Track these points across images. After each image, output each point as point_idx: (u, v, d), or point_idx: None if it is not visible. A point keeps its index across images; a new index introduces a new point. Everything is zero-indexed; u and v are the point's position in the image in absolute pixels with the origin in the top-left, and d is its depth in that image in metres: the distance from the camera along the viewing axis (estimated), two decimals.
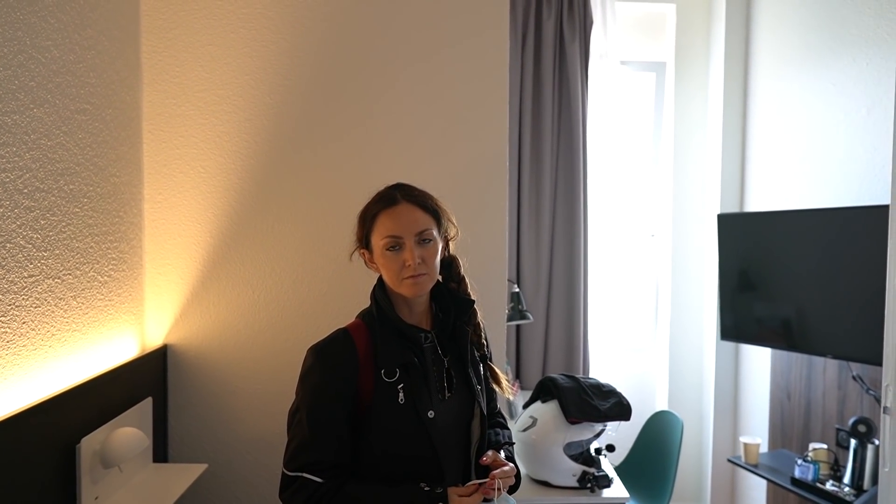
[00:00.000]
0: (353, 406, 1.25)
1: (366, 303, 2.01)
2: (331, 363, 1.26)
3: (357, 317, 1.35)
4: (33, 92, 1.42)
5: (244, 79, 2.02)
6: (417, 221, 1.25)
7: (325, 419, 1.24)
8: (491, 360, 1.45)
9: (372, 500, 1.20)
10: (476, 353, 1.38)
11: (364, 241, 1.32)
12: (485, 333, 1.42)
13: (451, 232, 1.36)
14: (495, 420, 1.50)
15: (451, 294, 1.36)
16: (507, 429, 1.51)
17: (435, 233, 1.28)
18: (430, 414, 1.25)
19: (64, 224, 1.54)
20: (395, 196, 1.28)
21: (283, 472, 1.24)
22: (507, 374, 1.47)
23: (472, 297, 1.38)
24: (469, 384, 1.33)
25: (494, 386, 1.45)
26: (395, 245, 1.25)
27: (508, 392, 1.46)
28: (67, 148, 1.56)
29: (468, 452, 1.35)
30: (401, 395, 1.24)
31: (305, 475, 1.21)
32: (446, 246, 1.36)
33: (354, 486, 1.22)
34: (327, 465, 1.21)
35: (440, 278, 1.37)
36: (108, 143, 1.76)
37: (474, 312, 1.38)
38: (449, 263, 1.38)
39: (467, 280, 1.39)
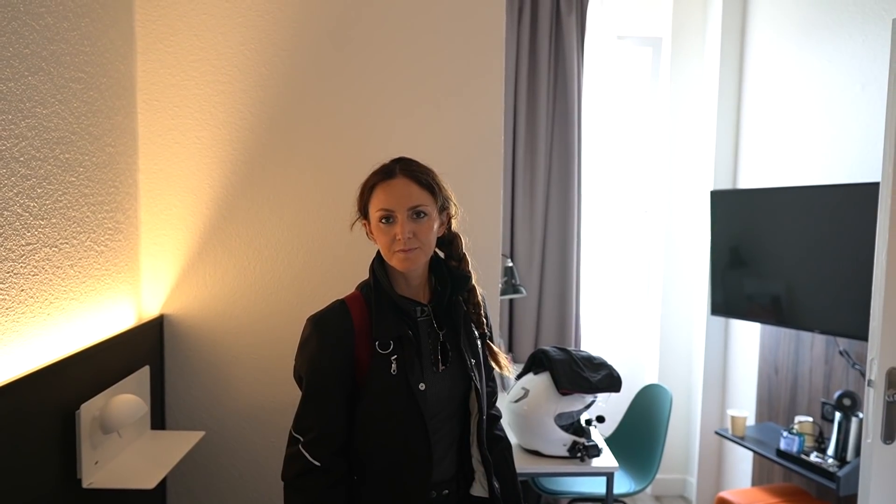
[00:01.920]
0: (351, 377, 1.28)
1: (361, 275, 2.02)
2: (327, 333, 1.28)
3: (356, 288, 1.37)
4: (28, 59, 1.41)
5: (239, 49, 2.00)
6: (411, 196, 1.26)
7: (320, 388, 1.28)
8: (491, 340, 1.45)
9: None
10: (475, 331, 1.39)
11: (363, 212, 1.33)
12: (485, 312, 1.43)
13: (452, 209, 1.36)
14: (492, 418, 1.47)
15: (448, 269, 1.37)
16: (504, 437, 1.50)
17: (430, 208, 1.28)
18: (421, 386, 1.27)
19: (60, 193, 1.54)
20: (394, 169, 1.29)
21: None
22: (500, 348, 1.49)
23: (471, 274, 1.38)
24: (463, 358, 1.34)
25: (493, 364, 1.45)
26: (388, 217, 1.26)
27: (508, 370, 1.46)
28: (63, 117, 1.55)
29: (462, 425, 1.36)
30: (393, 366, 1.26)
31: (302, 450, 1.26)
32: (448, 223, 1.37)
33: None
34: (318, 435, 1.26)
35: (441, 254, 1.38)
36: (102, 112, 1.75)
37: (474, 290, 1.39)
38: (450, 241, 1.39)
39: (468, 258, 1.40)
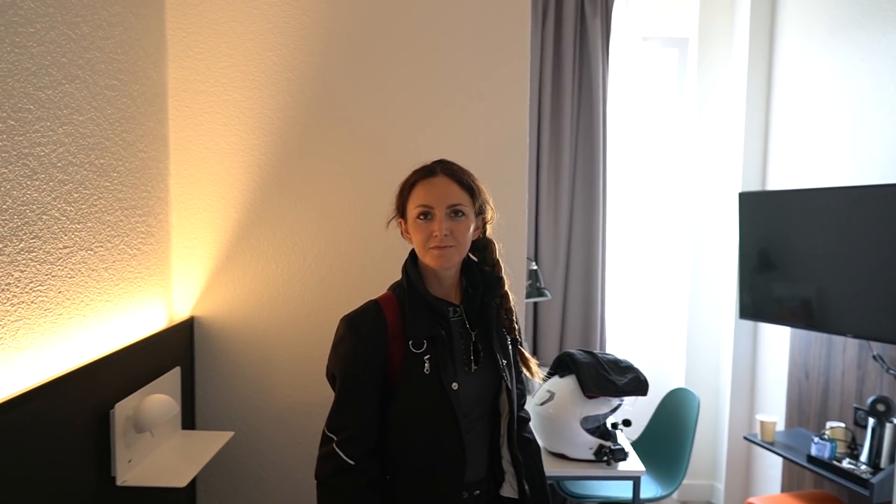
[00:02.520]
0: (384, 377, 1.29)
1: (389, 277, 2.04)
2: (361, 333, 1.30)
3: (388, 289, 1.38)
4: (65, 68, 1.46)
5: (267, 55, 2.03)
6: (451, 194, 1.28)
7: (353, 387, 1.29)
8: (521, 345, 1.46)
9: None
10: (507, 335, 1.40)
11: (401, 211, 1.35)
12: (517, 318, 1.44)
13: (489, 214, 1.37)
14: (521, 420, 1.47)
15: (481, 271, 1.38)
16: (534, 440, 1.49)
17: (468, 209, 1.29)
18: (454, 386, 1.27)
19: (95, 198, 1.58)
20: (435, 168, 1.31)
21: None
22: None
23: (504, 279, 1.40)
24: (494, 358, 1.35)
25: (523, 369, 1.45)
26: (426, 214, 1.27)
27: (539, 376, 1.47)
28: (97, 123, 1.60)
29: (493, 426, 1.37)
30: (426, 365, 1.27)
31: (336, 449, 1.27)
32: (483, 227, 1.38)
33: None
34: (351, 434, 1.27)
35: (474, 259, 1.40)
36: (135, 118, 1.80)
37: (507, 296, 1.41)
38: (484, 246, 1.40)
39: (501, 264, 1.41)
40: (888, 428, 2.27)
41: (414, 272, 1.33)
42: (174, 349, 1.97)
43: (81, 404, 1.47)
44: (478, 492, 1.34)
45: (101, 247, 1.61)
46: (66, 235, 1.46)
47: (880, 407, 2.29)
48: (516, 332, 1.42)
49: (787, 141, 3.08)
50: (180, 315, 2.07)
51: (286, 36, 2.03)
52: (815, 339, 2.81)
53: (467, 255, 1.36)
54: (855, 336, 2.44)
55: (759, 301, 2.87)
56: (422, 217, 1.28)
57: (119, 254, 1.70)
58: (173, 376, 1.88)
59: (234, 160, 2.05)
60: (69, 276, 1.47)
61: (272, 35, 2.03)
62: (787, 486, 2.98)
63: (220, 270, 2.08)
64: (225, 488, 2.11)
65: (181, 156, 2.04)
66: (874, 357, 2.45)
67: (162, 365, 1.87)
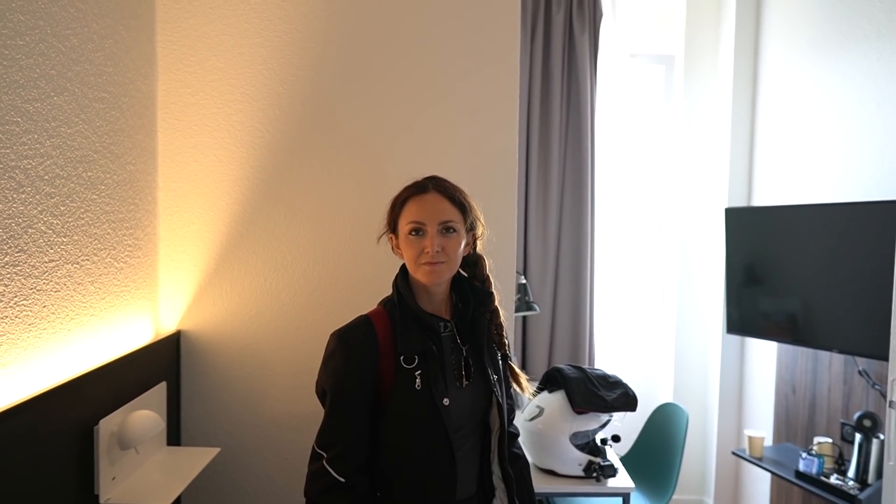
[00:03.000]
0: (375, 392, 1.29)
1: (378, 292, 2.03)
2: (352, 349, 1.29)
3: (379, 304, 1.38)
4: (54, 80, 1.45)
5: (258, 69, 2.04)
6: (443, 211, 1.28)
7: (344, 404, 1.28)
8: (511, 360, 1.46)
9: None
10: (497, 350, 1.41)
11: (392, 226, 1.35)
12: (507, 333, 1.44)
13: (479, 230, 1.38)
14: (510, 435, 1.47)
15: (471, 286, 1.39)
16: (522, 455, 1.49)
17: (459, 225, 1.30)
18: (445, 402, 1.27)
19: (82, 210, 1.57)
20: (427, 185, 1.32)
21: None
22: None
23: (494, 295, 1.40)
24: (485, 374, 1.35)
25: (514, 384, 1.46)
26: (418, 230, 1.28)
27: (528, 392, 1.47)
28: (86, 136, 1.58)
29: (483, 442, 1.37)
30: (417, 381, 1.26)
31: (326, 465, 1.26)
32: (473, 243, 1.39)
33: None
34: (341, 451, 1.26)
35: (464, 274, 1.40)
36: (124, 131, 1.79)
37: (497, 312, 1.41)
38: (475, 262, 1.41)
39: (492, 280, 1.42)
40: (875, 443, 2.28)
41: (405, 287, 1.33)
42: (160, 363, 1.95)
43: (65, 420, 1.45)
44: None
45: (88, 260, 1.59)
46: (51, 249, 1.44)
47: (867, 422, 2.30)
48: (506, 348, 1.43)
49: (772, 157, 3.12)
50: (167, 329, 2.05)
51: (277, 50, 2.04)
52: (802, 354, 2.83)
53: (458, 271, 1.36)
54: (840, 351, 2.46)
55: (745, 316, 2.89)
56: (413, 233, 1.28)
57: (105, 267, 1.68)
58: (159, 391, 1.86)
59: (224, 173, 2.04)
60: (54, 289, 1.45)
61: (263, 49, 2.03)
62: (775, 502, 2.99)
63: (208, 284, 2.06)
64: None
65: (170, 168, 2.03)
66: (860, 372, 2.47)
67: (148, 379, 1.84)
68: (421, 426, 1.26)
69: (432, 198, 1.29)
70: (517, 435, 1.52)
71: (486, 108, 2.08)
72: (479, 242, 1.41)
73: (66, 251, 1.50)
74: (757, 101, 3.25)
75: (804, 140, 2.88)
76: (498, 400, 1.34)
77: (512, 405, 1.48)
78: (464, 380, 1.32)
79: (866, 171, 2.52)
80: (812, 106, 2.84)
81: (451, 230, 1.29)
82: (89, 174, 1.60)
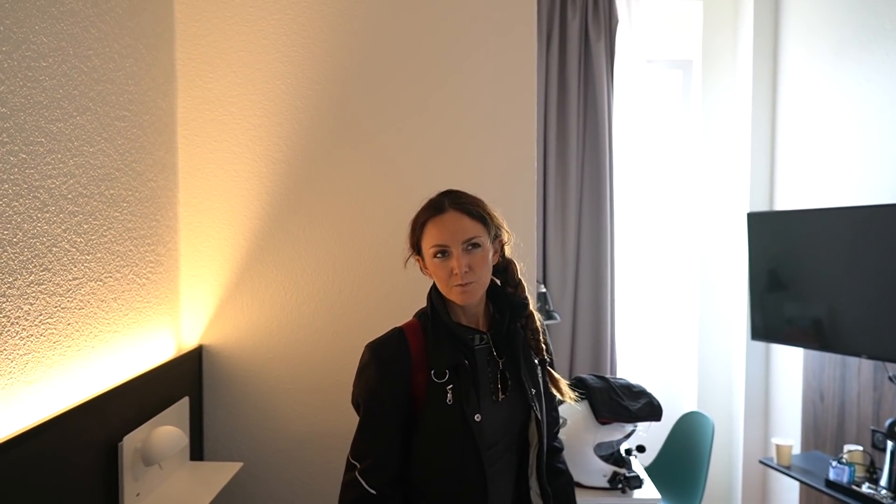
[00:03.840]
0: (409, 405, 1.28)
1: (398, 305, 2.03)
2: (384, 361, 1.28)
3: (414, 316, 1.37)
4: (76, 100, 1.46)
5: (276, 83, 2.05)
6: (464, 229, 1.26)
7: (376, 415, 1.28)
8: (552, 367, 1.42)
9: None
10: (535, 358, 1.37)
11: (416, 248, 1.34)
12: (545, 338, 1.40)
13: (505, 236, 1.36)
14: (553, 450, 1.44)
15: (506, 295, 1.37)
16: (566, 471, 1.47)
17: (483, 239, 1.27)
18: (477, 417, 1.24)
19: (105, 228, 1.58)
20: (443, 204, 1.29)
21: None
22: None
23: (528, 300, 1.37)
24: (523, 387, 1.32)
25: (555, 391, 1.41)
26: (443, 252, 1.26)
27: (570, 398, 1.42)
28: (108, 154, 1.60)
29: (521, 456, 1.33)
30: (449, 395, 1.24)
31: (358, 477, 1.25)
32: (501, 249, 1.36)
33: None
34: (374, 463, 1.25)
35: (497, 282, 1.38)
36: (145, 148, 1.80)
37: (532, 316, 1.38)
38: (505, 267, 1.38)
39: (524, 284, 1.39)
40: None
41: (438, 300, 1.32)
42: (183, 379, 1.95)
43: (90, 438, 1.45)
44: None
45: (111, 277, 1.61)
46: (75, 267, 1.45)
47: None
48: (544, 353, 1.38)
49: (794, 161, 3.08)
50: (189, 344, 2.06)
51: (295, 65, 2.05)
52: (829, 361, 2.77)
53: (491, 280, 1.34)
54: (869, 357, 2.40)
55: (770, 322, 2.84)
56: (439, 256, 1.26)
57: (128, 284, 1.70)
58: (182, 406, 1.87)
59: (243, 188, 2.05)
60: (78, 307, 1.46)
61: (281, 64, 2.05)
62: None
63: (229, 298, 2.07)
64: None
65: (190, 184, 2.05)
66: (890, 378, 2.42)
67: (170, 395, 1.85)
68: (451, 442, 1.24)
69: (451, 217, 1.27)
70: (561, 449, 1.48)
71: (504, 117, 2.07)
72: (506, 248, 1.38)
73: (89, 269, 1.51)
74: (777, 104, 3.21)
75: (826, 143, 2.84)
76: (536, 415, 1.31)
77: (556, 417, 1.45)
78: (499, 394, 1.30)
79: (889, 174, 2.47)
80: (833, 108, 2.79)
81: (476, 246, 1.26)
82: (111, 192, 1.62)
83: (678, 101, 3.59)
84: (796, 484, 2.96)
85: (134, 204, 1.73)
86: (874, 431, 2.45)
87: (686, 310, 3.59)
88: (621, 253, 3.34)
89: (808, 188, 2.96)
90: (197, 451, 2.03)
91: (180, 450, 1.73)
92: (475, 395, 1.26)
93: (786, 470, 2.64)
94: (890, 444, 2.28)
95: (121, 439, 1.53)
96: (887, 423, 2.28)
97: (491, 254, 1.30)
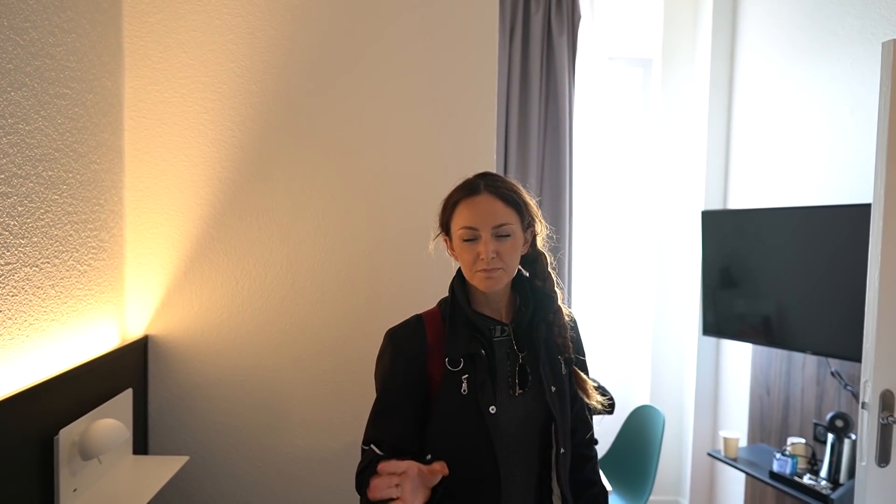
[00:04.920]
0: (423, 393, 1.24)
1: (352, 296, 2.00)
2: (400, 348, 1.26)
3: (437, 304, 1.32)
4: (10, 74, 1.38)
5: (229, 66, 1.98)
6: (496, 214, 1.21)
7: (389, 401, 1.24)
8: (579, 366, 1.34)
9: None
10: (561, 357, 1.30)
11: (445, 228, 1.28)
12: (572, 335, 1.33)
13: (538, 227, 1.31)
14: (582, 458, 1.36)
15: (532, 287, 1.31)
16: (599, 482, 1.38)
17: (515, 227, 1.22)
18: (492, 409, 1.20)
19: (42, 211, 1.51)
20: (478, 186, 1.23)
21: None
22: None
23: (557, 295, 1.32)
24: (542, 384, 1.25)
25: (580, 392, 1.32)
26: (472, 237, 1.21)
27: (595, 400, 1.33)
28: (46, 133, 1.52)
29: (543, 458, 1.27)
30: (464, 385, 1.20)
31: (372, 447, 1.21)
32: (532, 240, 1.31)
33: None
34: (388, 446, 1.21)
35: (526, 273, 1.33)
36: (88, 129, 1.72)
37: (559, 312, 1.31)
38: (534, 259, 1.33)
39: (554, 278, 1.33)
40: (846, 443, 2.30)
41: (460, 288, 1.27)
42: (126, 370, 1.88)
43: (22, 431, 1.38)
44: None
45: (48, 263, 1.53)
46: (7, 251, 1.38)
47: (839, 423, 2.33)
48: (571, 351, 1.31)
49: (748, 161, 3.15)
50: (134, 334, 1.98)
51: (249, 47, 1.99)
52: (776, 356, 2.85)
53: (519, 269, 1.29)
54: (814, 353, 2.48)
55: (721, 318, 2.91)
56: (468, 240, 1.21)
57: (68, 270, 1.62)
58: (125, 398, 1.80)
59: (193, 173, 1.99)
60: (11, 294, 1.39)
61: (234, 46, 1.98)
62: (749, 502, 3.01)
63: (177, 287, 2.00)
64: None
65: (137, 168, 1.97)
66: (832, 373, 2.50)
67: (113, 387, 1.78)
68: (465, 432, 1.18)
69: (485, 200, 1.21)
70: (592, 457, 1.39)
71: (464, 109, 2.06)
72: (538, 239, 1.32)
73: (24, 253, 1.43)
74: (733, 105, 3.27)
75: (779, 144, 2.91)
76: (555, 415, 1.24)
77: (587, 419, 1.36)
78: (517, 388, 1.24)
79: (840, 175, 2.54)
80: (787, 110, 2.86)
81: (507, 235, 1.21)
82: (50, 173, 1.54)
83: (638, 98, 3.63)
84: (742, 475, 3.05)
85: (75, 187, 1.65)
86: (816, 425, 2.53)
87: (641, 306, 3.65)
88: (578, 248, 3.37)
89: (761, 188, 3.03)
90: (141, 446, 1.96)
91: (121, 443, 1.66)
92: (491, 387, 1.21)
93: (732, 462, 2.71)
94: (830, 436, 2.35)
95: (57, 432, 1.46)
96: (828, 416, 2.36)
97: (521, 243, 1.25)
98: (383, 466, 1.05)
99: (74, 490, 1.52)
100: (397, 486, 1.04)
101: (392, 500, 1.03)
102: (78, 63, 1.66)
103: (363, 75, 2.02)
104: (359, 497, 1.22)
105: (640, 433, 2.88)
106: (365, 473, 1.19)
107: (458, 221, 1.22)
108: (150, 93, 1.96)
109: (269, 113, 2.00)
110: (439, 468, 1.08)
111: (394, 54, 2.03)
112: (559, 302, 1.32)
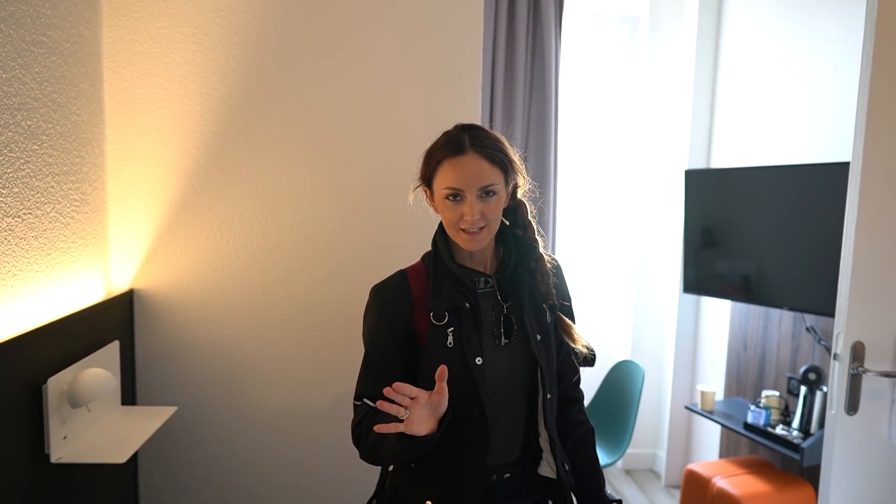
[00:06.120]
0: (411, 348, 1.26)
1: (338, 249, 2.01)
2: (383, 303, 1.27)
3: (420, 259, 1.33)
4: None
5: (210, 16, 1.94)
6: (483, 175, 1.18)
7: (377, 357, 1.26)
8: (563, 311, 1.35)
9: (372, 433, 1.17)
10: (545, 304, 1.31)
11: (426, 181, 1.26)
12: (555, 281, 1.34)
13: (520, 181, 1.30)
14: (570, 400, 1.39)
15: (514, 237, 1.32)
16: (586, 421, 1.41)
17: (500, 186, 1.21)
18: (478, 360, 1.22)
19: (22, 161, 1.49)
20: (463, 143, 1.20)
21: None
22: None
23: (538, 243, 1.32)
24: (527, 333, 1.27)
25: (565, 337, 1.34)
26: (456, 196, 1.19)
27: (580, 343, 1.34)
28: (24, 82, 1.49)
29: (530, 405, 1.29)
30: (450, 338, 1.22)
31: (365, 401, 1.23)
32: (514, 192, 1.30)
33: (381, 416, 1.16)
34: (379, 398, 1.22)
35: (507, 222, 1.33)
36: (66, 78, 1.69)
37: (541, 259, 1.32)
38: (515, 209, 1.32)
39: (535, 226, 1.34)
40: (818, 395, 2.39)
41: (442, 242, 1.27)
42: (112, 322, 1.89)
43: (10, 378, 1.40)
44: (508, 475, 1.28)
45: (30, 214, 1.52)
46: None
47: (811, 376, 2.40)
48: (554, 298, 1.32)
49: (732, 119, 3.16)
50: (119, 287, 1.99)
51: None
52: (754, 313, 2.92)
53: (501, 221, 1.28)
54: (790, 309, 2.54)
55: (702, 276, 2.96)
56: (451, 198, 1.20)
57: (50, 222, 1.61)
58: (111, 350, 1.81)
59: (176, 126, 1.96)
60: None
61: None
62: (724, 453, 3.12)
63: (162, 241, 2.00)
64: (168, 465, 2.06)
65: (117, 120, 1.94)
66: (807, 329, 2.57)
67: (100, 338, 1.79)
68: (452, 384, 1.15)
69: (470, 161, 1.18)
70: (577, 399, 1.42)
71: (448, 65, 2.04)
72: (519, 189, 1.31)
73: (5, 203, 1.42)
74: (719, 63, 3.27)
75: (764, 102, 2.92)
76: (541, 362, 1.26)
77: (573, 364, 1.38)
78: (503, 338, 1.26)
79: (824, 134, 2.57)
80: (772, 69, 2.86)
81: (492, 193, 1.19)
82: (29, 123, 1.52)
83: (625, 57, 3.61)
84: (718, 427, 3.15)
85: (55, 138, 1.63)
86: (790, 378, 2.61)
87: (623, 263, 3.70)
88: (563, 205, 3.39)
89: (744, 147, 3.06)
90: (129, 397, 1.99)
91: (110, 392, 1.68)
92: (477, 339, 1.23)
93: (708, 414, 2.79)
94: (803, 389, 2.43)
95: (45, 381, 1.48)
96: (802, 369, 2.43)
97: (505, 198, 1.25)
98: (398, 385, 1.06)
99: (64, 437, 1.54)
100: (406, 408, 1.07)
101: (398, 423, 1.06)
102: (54, 10, 1.63)
103: (349, 27, 1.99)
104: (357, 451, 1.24)
105: (620, 387, 2.95)
106: (361, 426, 1.22)
107: (443, 181, 1.21)
108: (130, 43, 1.92)
109: (251, 66, 1.97)
110: (440, 373, 1.11)
111: (380, 6, 2.00)
112: (541, 250, 1.33)
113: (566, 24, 3.20)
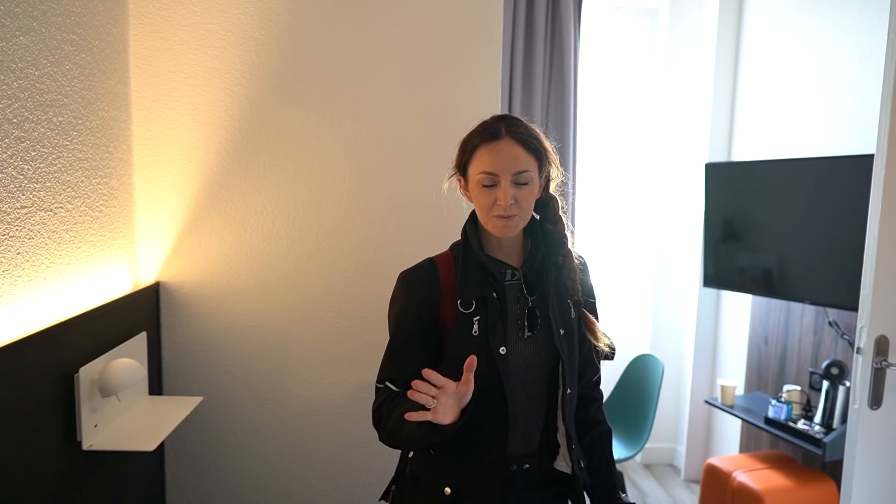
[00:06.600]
0: (437, 335, 1.28)
1: (358, 241, 2.03)
2: (411, 290, 1.29)
3: (449, 248, 1.35)
4: (19, 18, 1.39)
5: (234, 13, 1.97)
6: (517, 161, 1.20)
7: (403, 342, 1.28)
8: (589, 309, 1.36)
9: (393, 417, 1.20)
10: (569, 300, 1.32)
11: (461, 169, 1.28)
12: (582, 277, 1.35)
13: (554, 173, 1.31)
14: (588, 399, 1.40)
15: (543, 231, 1.33)
16: (603, 422, 1.43)
17: (534, 175, 1.22)
18: (502, 350, 1.23)
19: (54, 157, 1.53)
20: (499, 130, 1.22)
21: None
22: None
23: (567, 238, 1.34)
24: (551, 327, 1.28)
25: (588, 335, 1.34)
26: (491, 182, 1.21)
27: (603, 342, 1.34)
28: (55, 79, 1.53)
29: (551, 400, 1.30)
30: (475, 326, 1.23)
31: (387, 384, 1.26)
32: (546, 185, 1.31)
33: (402, 400, 1.20)
34: (402, 384, 1.24)
35: (537, 216, 1.34)
36: (95, 75, 1.73)
37: (569, 255, 1.33)
38: (546, 202, 1.33)
39: (565, 221, 1.35)
40: (840, 390, 2.37)
41: (472, 232, 1.29)
42: (140, 314, 1.94)
43: (44, 368, 1.44)
44: (527, 465, 1.29)
45: (62, 208, 1.56)
46: (23, 195, 1.41)
47: (834, 370, 2.38)
48: (579, 294, 1.33)
49: (753, 112, 3.13)
50: (145, 280, 2.03)
51: None
52: (775, 307, 2.90)
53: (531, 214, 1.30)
54: (812, 303, 2.52)
55: (722, 270, 2.94)
56: (486, 185, 1.21)
57: (80, 216, 1.65)
58: (139, 341, 1.85)
59: (200, 121, 2.00)
60: (28, 237, 1.43)
61: None
62: (744, 447, 3.10)
63: (186, 234, 2.04)
64: (194, 453, 2.11)
65: (144, 116, 1.98)
66: (830, 323, 2.54)
67: (127, 329, 1.83)
68: (475, 372, 1.15)
69: (506, 146, 1.20)
70: (596, 398, 1.43)
71: (468, 58, 2.05)
72: (552, 183, 1.32)
73: (38, 198, 1.46)
74: (740, 56, 3.23)
75: (786, 95, 2.89)
76: (563, 356, 1.27)
77: (594, 362, 1.39)
78: (526, 330, 1.26)
79: (846, 127, 2.54)
80: (794, 61, 2.83)
81: (526, 182, 1.21)
82: (60, 119, 1.55)
83: (644, 50, 3.58)
84: (738, 422, 3.13)
85: (84, 133, 1.67)
86: (812, 373, 2.59)
87: (643, 256, 3.68)
88: (582, 199, 3.38)
89: (765, 140, 3.03)
90: (156, 387, 2.03)
91: (138, 382, 1.73)
92: (502, 329, 1.24)
93: (729, 409, 2.78)
94: (825, 383, 2.41)
95: (77, 370, 1.52)
96: (824, 364, 2.41)
97: (538, 189, 1.26)
98: (428, 372, 1.09)
99: (95, 425, 1.58)
100: (434, 397, 1.09)
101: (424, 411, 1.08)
102: (83, 8, 1.66)
103: (370, 19, 2.01)
104: (376, 433, 1.26)
105: (640, 381, 2.95)
106: (382, 409, 1.25)
107: (479, 166, 1.22)
108: (155, 41, 1.96)
109: (274, 60, 2.00)
110: (469, 364, 1.12)
111: (402, 2, 2.01)
112: (569, 245, 1.34)
113: (585, 16, 3.19)
